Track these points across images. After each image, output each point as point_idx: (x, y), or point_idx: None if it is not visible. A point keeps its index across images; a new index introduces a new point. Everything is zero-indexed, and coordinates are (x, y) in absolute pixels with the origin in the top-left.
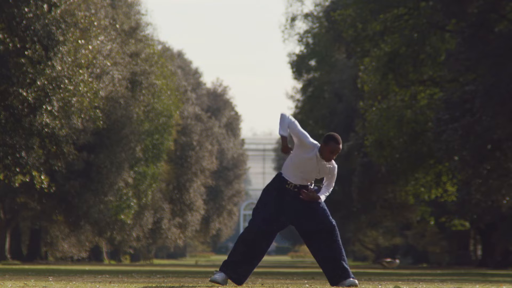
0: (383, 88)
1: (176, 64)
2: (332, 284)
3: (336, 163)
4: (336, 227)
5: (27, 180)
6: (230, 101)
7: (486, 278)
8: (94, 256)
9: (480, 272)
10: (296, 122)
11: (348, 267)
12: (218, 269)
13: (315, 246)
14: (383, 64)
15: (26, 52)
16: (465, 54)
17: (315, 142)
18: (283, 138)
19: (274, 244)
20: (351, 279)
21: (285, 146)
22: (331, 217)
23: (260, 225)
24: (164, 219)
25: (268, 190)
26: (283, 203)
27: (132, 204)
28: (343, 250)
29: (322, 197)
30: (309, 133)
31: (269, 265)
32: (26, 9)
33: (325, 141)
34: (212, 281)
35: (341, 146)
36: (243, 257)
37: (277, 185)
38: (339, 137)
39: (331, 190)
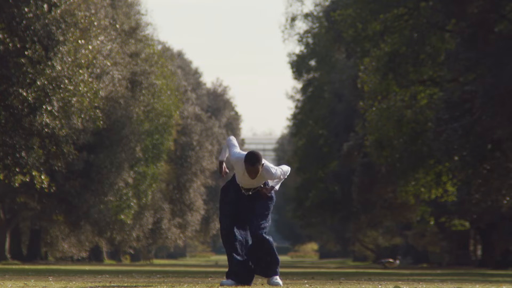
0: (383, 88)
1: (176, 64)
2: (263, 276)
3: (336, 163)
4: (268, 241)
5: (27, 180)
6: (230, 101)
7: (486, 278)
8: (94, 256)
9: (480, 272)
10: (233, 141)
11: (273, 265)
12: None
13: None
14: (383, 64)
15: (26, 52)
16: (465, 54)
17: (241, 156)
18: (220, 163)
19: (274, 244)
20: (275, 278)
21: (220, 170)
22: (266, 230)
23: (228, 222)
24: (164, 219)
25: (225, 188)
26: (239, 197)
27: (132, 204)
28: (271, 250)
29: (276, 186)
30: (309, 133)
31: None
32: (26, 9)
33: (244, 162)
34: (222, 285)
35: (257, 165)
36: (235, 257)
37: (232, 183)
38: (255, 156)
39: (286, 176)
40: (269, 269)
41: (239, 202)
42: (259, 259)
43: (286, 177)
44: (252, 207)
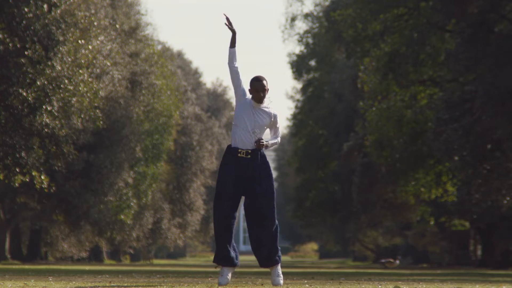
0: (383, 88)
1: (176, 64)
2: (261, 265)
3: (336, 163)
4: (275, 218)
5: (27, 180)
6: (230, 101)
7: (486, 278)
8: (94, 256)
9: (480, 272)
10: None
11: (274, 256)
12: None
13: (251, 225)
14: (383, 64)
15: (26, 52)
16: (465, 54)
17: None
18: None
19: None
20: (278, 278)
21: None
22: (275, 211)
23: (227, 206)
24: (164, 219)
25: (221, 167)
26: (237, 173)
27: (132, 204)
28: (277, 238)
29: (270, 142)
30: (309, 133)
31: None
32: (26, 9)
33: (250, 85)
34: (220, 285)
35: (264, 82)
36: (227, 242)
37: (229, 158)
38: (261, 76)
39: (279, 139)
40: (269, 259)
41: (242, 183)
42: (261, 244)
43: (279, 140)
44: (258, 186)
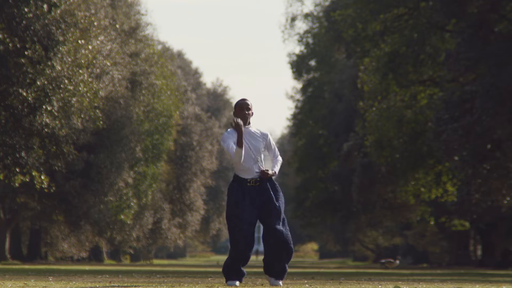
0: (383, 88)
1: (176, 64)
2: (265, 272)
3: (336, 163)
4: (288, 232)
5: (27, 180)
6: (230, 101)
7: (486, 278)
8: (94, 256)
9: (480, 272)
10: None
11: (286, 271)
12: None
13: (267, 239)
14: (383, 64)
15: (26, 52)
16: (465, 54)
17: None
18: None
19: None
20: (279, 281)
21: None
22: (287, 226)
23: (244, 242)
24: (164, 219)
25: (232, 192)
26: (250, 198)
27: (132, 204)
28: (291, 253)
29: (276, 169)
30: (309, 133)
31: None
32: (26, 9)
33: (235, 107)
34: (234, 285)
35: (249, 102)
36: (245, 264)
37: (239, 186)
38: (246, 98)
39: (280, 160)
40: (280, 274)
41: (256, 206)
42: (275, 260)
43: (280, 159)
44: (272, 204)
